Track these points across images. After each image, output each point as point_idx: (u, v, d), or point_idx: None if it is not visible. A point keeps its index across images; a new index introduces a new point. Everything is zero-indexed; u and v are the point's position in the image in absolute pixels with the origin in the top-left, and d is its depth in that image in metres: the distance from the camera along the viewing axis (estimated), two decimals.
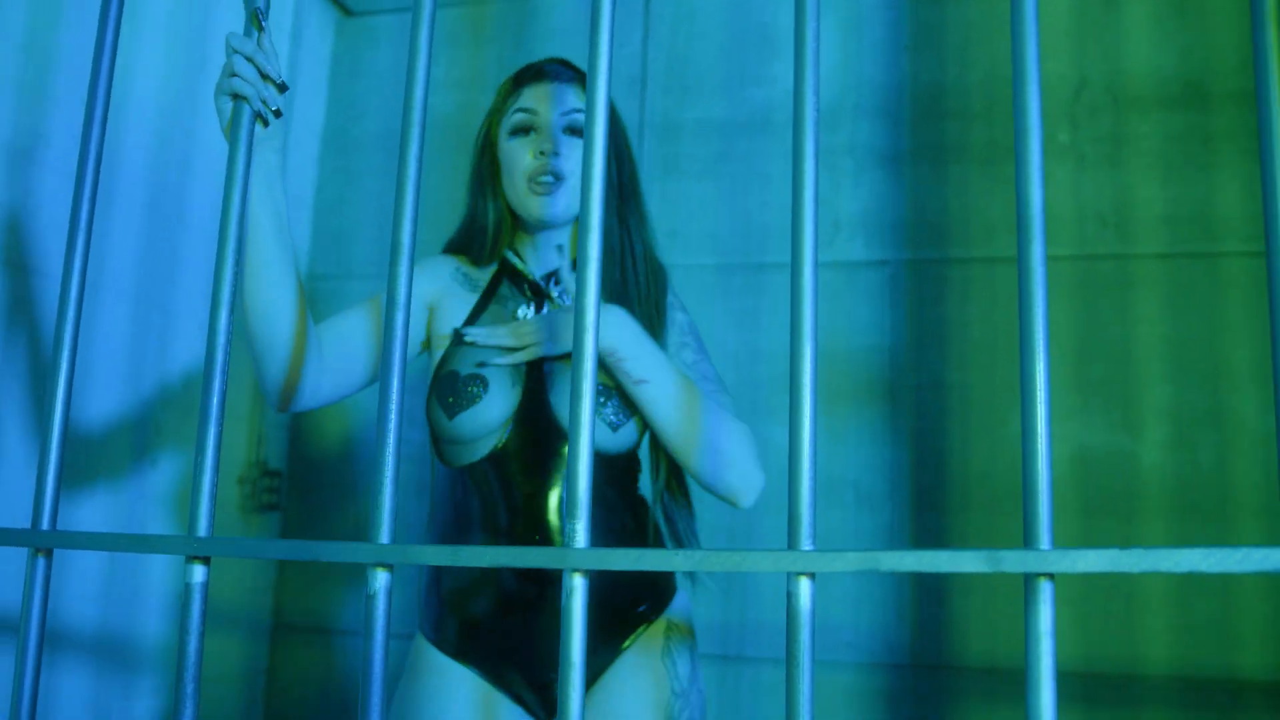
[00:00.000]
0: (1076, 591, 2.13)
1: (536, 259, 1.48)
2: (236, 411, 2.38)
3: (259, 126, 1.11)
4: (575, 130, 1.41)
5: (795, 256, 0.76)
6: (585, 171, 0.80)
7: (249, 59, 1.05)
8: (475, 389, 1.35)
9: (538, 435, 1.36)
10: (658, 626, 1.39)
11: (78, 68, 1.87)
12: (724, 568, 0.76)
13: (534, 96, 1.43)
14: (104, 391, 1.97)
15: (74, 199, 0.92)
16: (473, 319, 1.44)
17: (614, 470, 1.39)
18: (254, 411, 2.45)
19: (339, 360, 1.33)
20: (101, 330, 1.96)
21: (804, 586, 0.75)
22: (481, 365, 1.37)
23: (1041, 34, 2.34)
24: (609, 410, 1.35)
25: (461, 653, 1.36)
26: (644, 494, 1.45)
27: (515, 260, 1.48)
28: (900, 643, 2.20)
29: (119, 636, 2.03)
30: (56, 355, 0.92)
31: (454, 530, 1.38)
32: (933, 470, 2.22)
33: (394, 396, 0.81)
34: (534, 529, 1.33)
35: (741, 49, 2.50)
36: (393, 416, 0.81)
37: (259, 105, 1.04)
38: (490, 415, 1.35)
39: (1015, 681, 2.12)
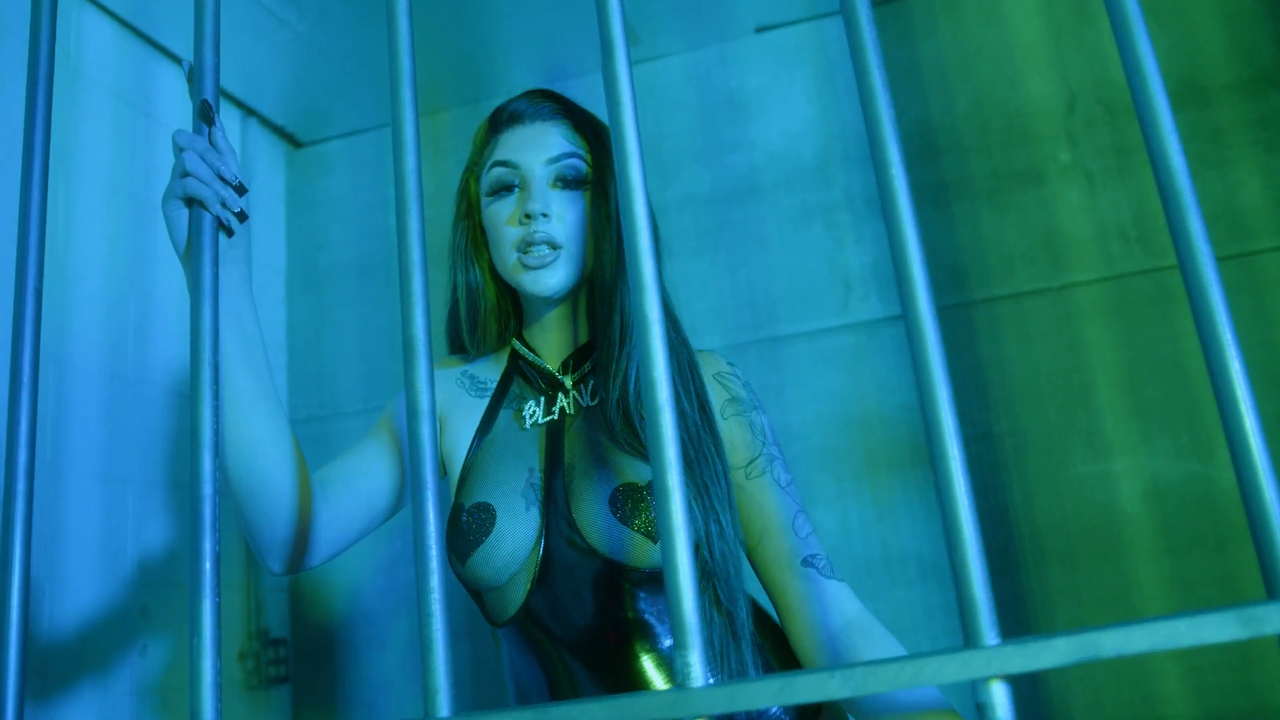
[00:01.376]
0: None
1: (547, 341, 1.23)
2: (229, 579, 2.17)
3: (221, 236, 0.94)
4: (567, 180, 1.17)
5: (907, 301, 0.59)
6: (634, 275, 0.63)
7: (201, 156, 0.88)
8: (484, 523, 1.10)
9: (570, 565, 1.08)
10: None
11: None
12: (898, 684, 0.57)
13: (512, 144, 1.18)
14: (79, 580, 1.76)
15: (11, 378, 0.75)
16: (485, 430, 1.19)
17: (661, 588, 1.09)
18: (248, 577, 2.23)
19: (349, 499, 1.12)
20: (72, 512, 1.76)
21: (999, 695, 0.56)
22: (489, 489, 1.13)
23: (1020, 54, 2.25)
24: (642, 517, 1.06)
25: None
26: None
27: (523, 350, 1.23)
28: None
29: None
30: (7, 547, 0.73)
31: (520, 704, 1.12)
32: (998, 529, 2.03)
33: (431, 525, 0.63)
34: (609, 685, 1.06)
35: (713, 118, 2.38)
36: (433, 552, 0.62)
37: (218, 209, 0.87)
38: (505, 553, 1.09)
39: None
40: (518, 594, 1.10)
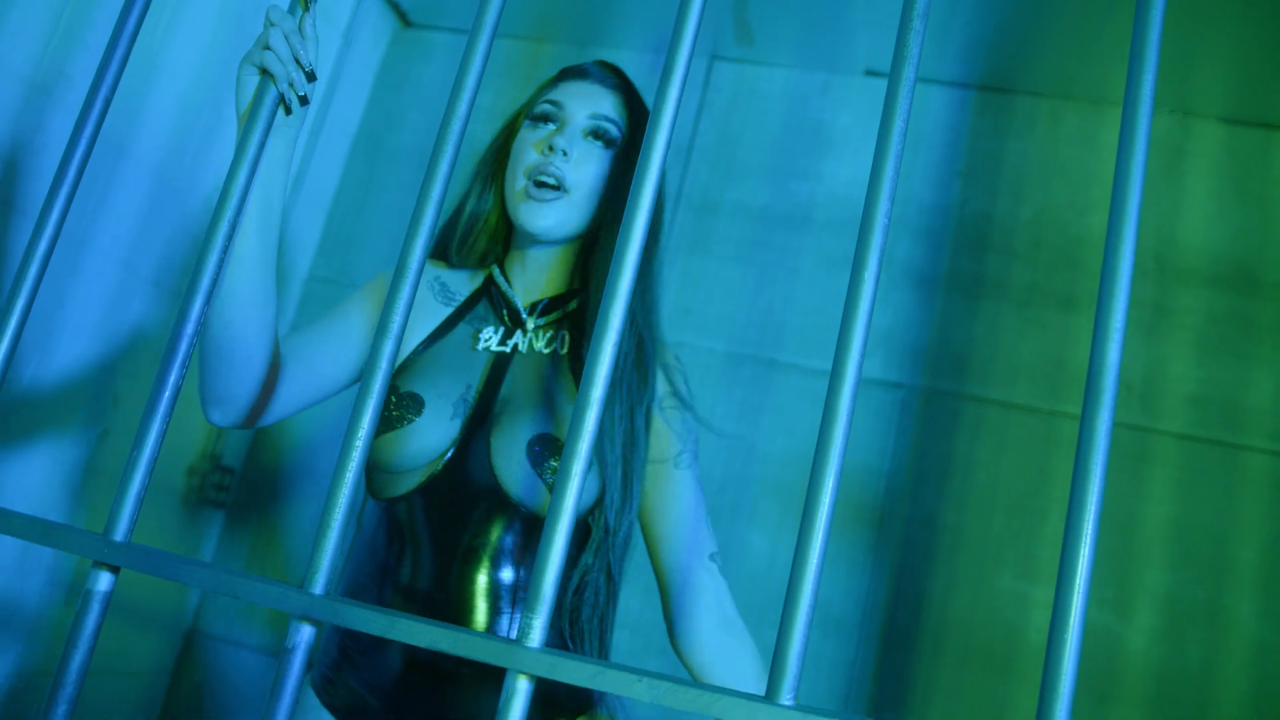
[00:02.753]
0: None
1: (523, 280, 1.28)
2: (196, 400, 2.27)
3: (280, 111, 1.01)
4: (599, 136, 1.23)
5: (836, 373, 0.66)
6: (622, 238, 0.70)
7: (286, 36, 0.95)
8: (407, 411, 1.16)
9: (468, 482, 1.16)
10: None
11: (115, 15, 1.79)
12: (693, 708, 0.65)
13: (567, 91, 1.25)
14: (66, 353, 1.86)
15: (70, 139, 0.83)
16: (438, 336, 1.25)
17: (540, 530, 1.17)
18: None
19: (306, 374, 1.18)
20: (82, 287, 1.86)
21: None
22: (426, 385, 1.18)
23: (1099, 186, 2.29)
24: (553, 466, 1.14)
25: (350, 715, 1.18)
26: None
27: (502, 281, 1.28)
28: None
29: None
30: (13, 298, 0.82)
31: (368, 577, 1.20)
32: (909, 610, 2.10)
33: (365, 426, 0.71)
34: (446, 592, 1.14)
35: (793, 140, 2.44)
36: (357, 453, 0.70)
37: (285, 87, 0.94)
38: (416, 446, 1.16)
39: None
40: (407, 485, 1.17)
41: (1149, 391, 2.13)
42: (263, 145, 0.85)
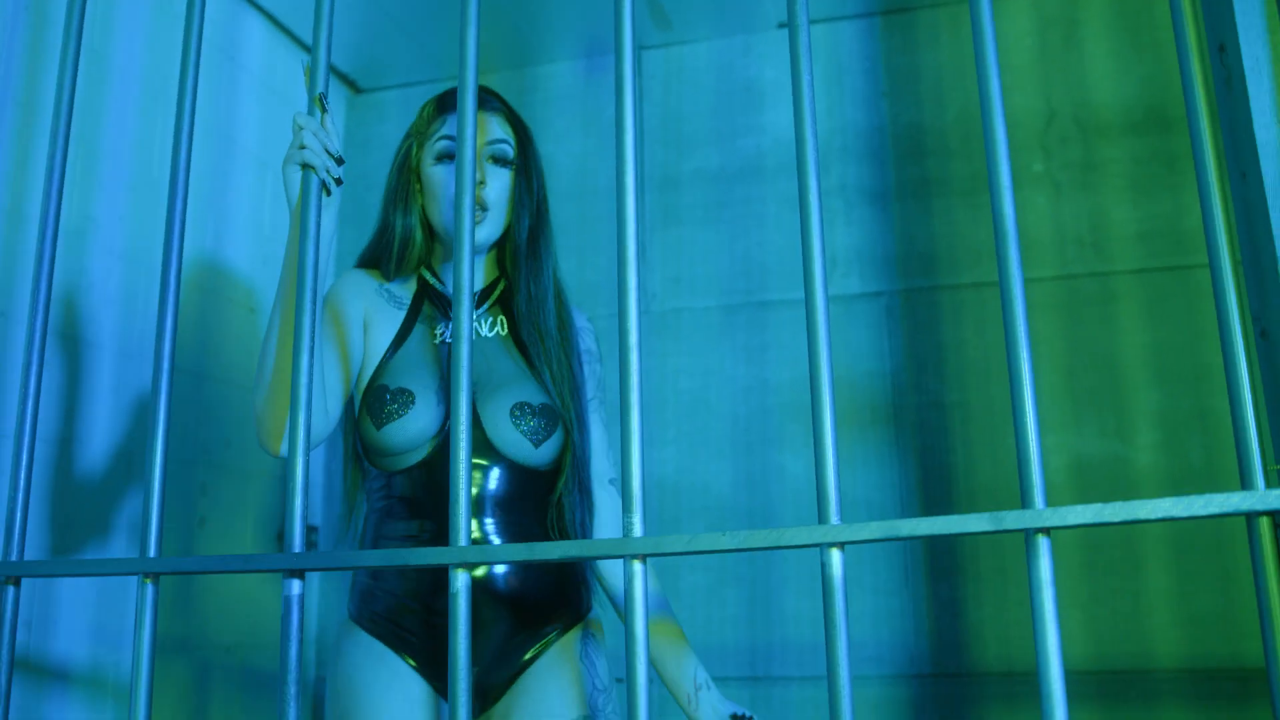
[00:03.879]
0: (1086, 594, 2.24)
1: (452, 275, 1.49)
2: (269, 467, 2.50)
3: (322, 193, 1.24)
4: (499, 159, 1.47)
5: (807, 278, 0.89)
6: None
7: (314, 134, 1.17)
8: (402, 403, 1.40)
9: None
10: (574, 630, 1.46)
11: (122, 156, 2.02)
12: (766, 544, 0.88)
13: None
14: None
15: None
16: (402, 337, 1.48)
17: (536, 484, 1.44)
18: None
19: (323, 406, 1.39)
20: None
21: (835, 557, 0.87)
22: (410, 380, 1.42)
23: (1008, 71, 2.52)
24: (531, 425, 1.42)
25: (391, 639, 1.42)
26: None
27: (433, 280, 1.52)
28: (921, 654, 2.30)
29: (105, 667, 2.12)
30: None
31: (381, 519, 1.44)
32: (940, 486, 2.34)
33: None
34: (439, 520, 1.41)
35: (730, 103, 2.66)
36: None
37: (324, 175, 1.17)
38: (416, 428, 1.39)
39: (1031, 683, 2.22)
40: (413, 460, 1.42)
41: (1099, 240, 2.36)
42: (319, 221, 1.08)
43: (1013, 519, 0.84)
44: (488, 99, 1.52)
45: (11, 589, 1.04)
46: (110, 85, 2.03)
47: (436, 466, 1.42)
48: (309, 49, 2.67)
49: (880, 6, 2.58)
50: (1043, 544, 0.83)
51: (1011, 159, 2.43)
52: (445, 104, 1.52)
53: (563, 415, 1.45)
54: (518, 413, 1.43)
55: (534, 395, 1.44)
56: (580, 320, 1.58)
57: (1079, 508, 0.81)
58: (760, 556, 2.40)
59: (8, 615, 1.04)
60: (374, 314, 1.49)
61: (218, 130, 2.34)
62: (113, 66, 2.03)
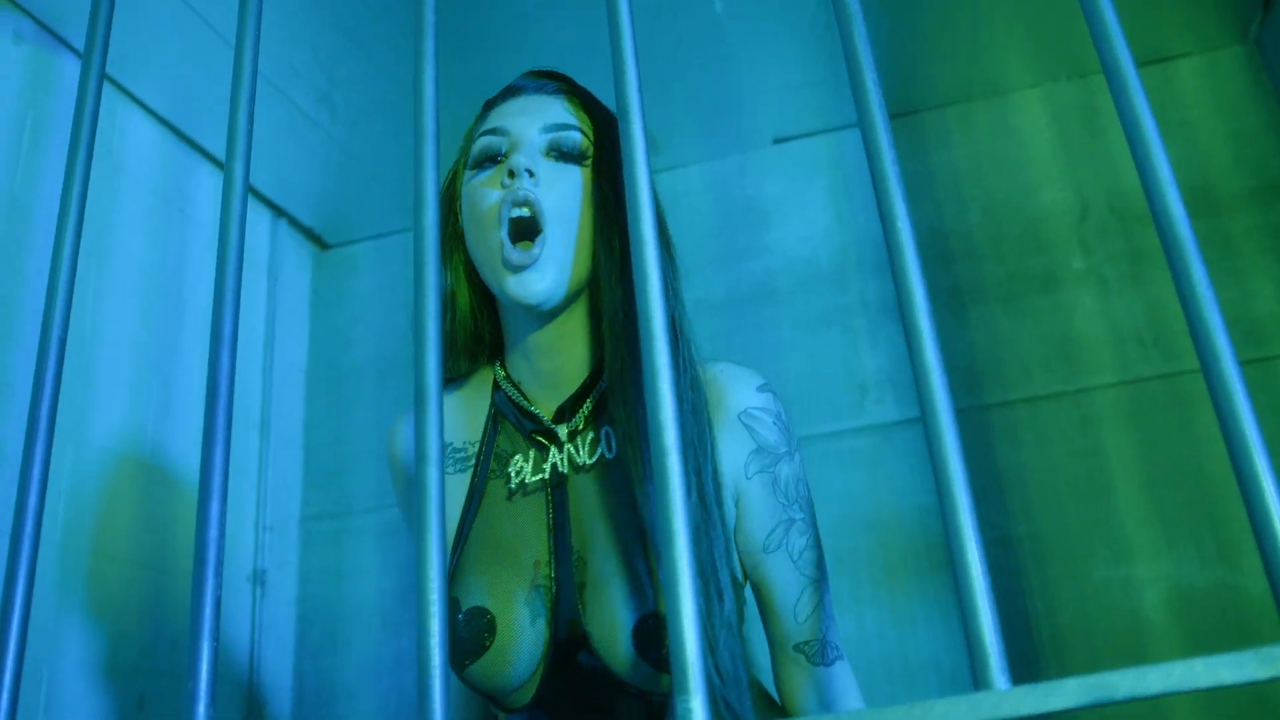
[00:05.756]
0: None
1: (536, 375, 1.01)
2: (230, 674, 2.13)
3: None
4: (564, 153, 0.98)
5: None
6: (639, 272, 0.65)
7: None
8: (480, 635, 0.93)
9: (580, 683, 0.95)
10: None
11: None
12: (910, 716, 0.55)
13: (504, 112, 1.02)
14: (78, 663, 1.74)
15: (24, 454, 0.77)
16: (469, 511, 0.99)
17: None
18: (247, 680, 2.19)
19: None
20: (76, 588, 1.75)
21: None
22: (486, 586, 0.94)
23: (1032, 166, 2.30)
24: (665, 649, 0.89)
25: None
26: None
27: (507, 386, 1.02)
28: None
29: None
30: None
31: None
32: (1020, 635, 1.98)
33: (434, 593, 0.63)
34: None
35: (731, 224, 2.43)
36: (434, 584, 0.62)
37: None
38: (508, 671, 0.93)
39: None
40: (522, 699, 0.96)
41: (1160, 337, 2.09)
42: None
43: None
44: (541, 80, 1.05)
45: None
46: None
47: (559, 705, 0.95)
48: (275, 205, 2.46)
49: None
50: None
51: (1049, 256, 2.18)
52: (492, 100, 1.07)
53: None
54: (645, 636, 0.90)
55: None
56: (741, 398, 0.99)
57: None
58: None
59: None
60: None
61: (167, 290, 2.08)
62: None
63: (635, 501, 0.93)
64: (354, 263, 2.68)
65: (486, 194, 0.97)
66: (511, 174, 0.95)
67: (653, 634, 0.90)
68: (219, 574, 0.70)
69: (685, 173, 2.51)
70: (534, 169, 0.95)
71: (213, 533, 0.71)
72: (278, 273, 2.50)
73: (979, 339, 2.19)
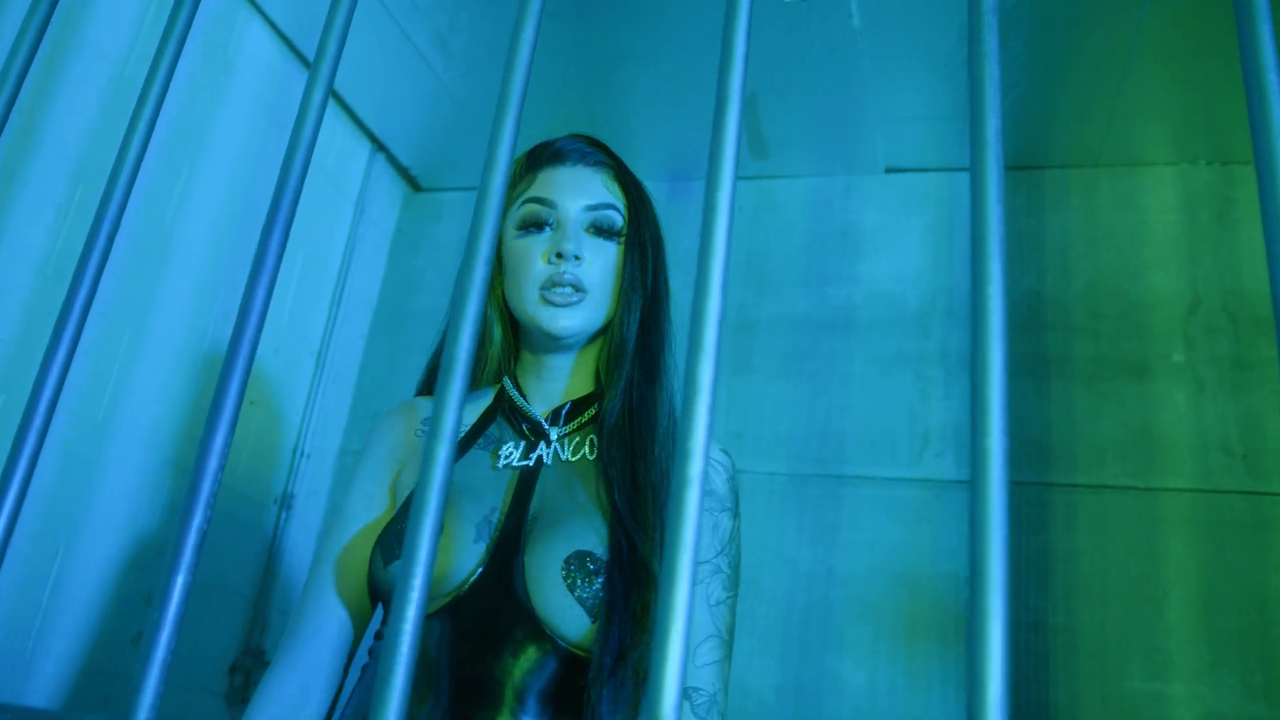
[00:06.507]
0: None
1: (539, 390, 1.19)
2: (239, 588, 2.14)
3: None
4: (601, 229, 1.15)
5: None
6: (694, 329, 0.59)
7: None
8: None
9: (497, 608, 1.02)
10: None
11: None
12: None
13: (549, 183, 1.17)
14: (94, 552, 1.75)
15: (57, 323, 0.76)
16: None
17: (579, 670, 1.01)
18: (258, 591, 2.20)
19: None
20: (111, 476, 1.76)
21: None
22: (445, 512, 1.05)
23: (1149, 247, 2.19)
24: (592, 590, 1.00)
25: None
26: None
27: (515, 394, 1.18)
28: None
29: None
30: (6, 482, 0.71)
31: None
32: None
33: (423, 562, 0.58)
34: None
35: (823, 246, 2.36)
36: (416, 594, 0.57)
37: None
38: (436, 572, 1.02)
39: None
40: (430, 609, 1.03)
41: (1251, 452, 1.97)
42: None
43: None
44: (586, 150, 1.20)
45: None
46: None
47: (466, 614, 1.02)
48: (376, 138, 2.45)
49: (1005, 160, 2.29)
50: None
51: (1147, 344, 2.07)
52: (536, 159, 1.21)
53: (628, 571, 1.00)
54: (574, 566, 1.02)
55: (603, 543, 1.02)
56: (711, 451, 1.13)
57: None
58: None
59: None
60: (411, 457, 1.17)
61: (248, 199, 2.08)
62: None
63: (604, 491, 1.07)
64: (440, 210, 2.66)
65: (534, 259, 1.14)
66: (560, 255, 1.13)
67: (578, 564, 1.01)
68: (210, 508, 0.67)
69: (789, 184, 2.44)
70: (580, 253, 1.13)
71: (213, 463, 0.68)
72: (365, 206, 2.49)
73: (1056, 415, 2.09)
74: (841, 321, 2.27)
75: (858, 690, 1.99)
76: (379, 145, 2.51)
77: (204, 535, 0.66)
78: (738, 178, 2.54)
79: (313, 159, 2.18)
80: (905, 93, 2.14)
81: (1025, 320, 2.17)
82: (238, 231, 2.04)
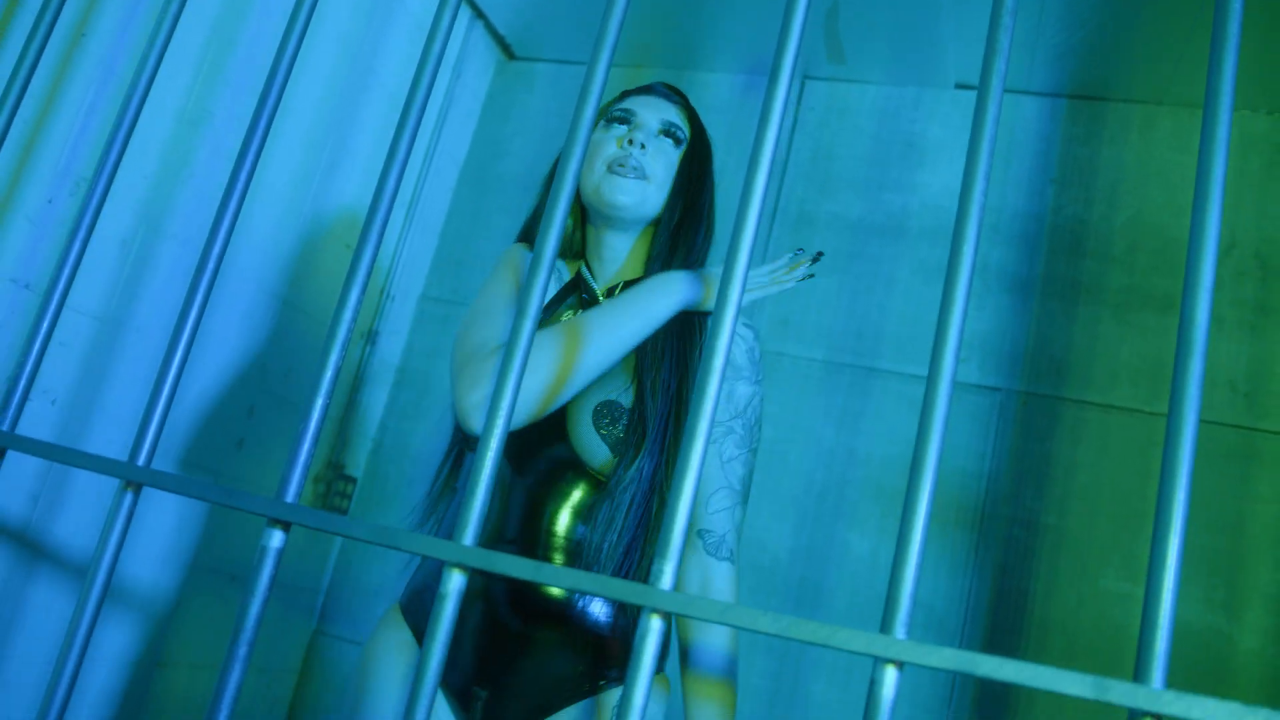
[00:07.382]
0: None
1: (601, 268, 1.39)
2: (328, 410, 2.42)
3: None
4: (670, 135, 1.37)
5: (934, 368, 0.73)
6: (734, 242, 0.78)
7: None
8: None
9: (546, 443, 1.27)
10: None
11: (257, 49, 1.96)
12: (812, 639, 0.72)
13: (636, 102, 1.41)
14: (207, 368, 2.02)
15: (231, 175, 0.95)
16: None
17: (601, 489, 1.25)
18: (342, 414, 2.48)
19: None
20: (220, 306, 2.02)
21: (890, 675, 0.70)
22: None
23: (1190, 186, 2.29)
24: (616, 432, 1.24)
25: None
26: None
27: (587, 275, 1.39)
28: None
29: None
30: (182, 318, 0.93)
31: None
32: (1011, 610, 2.12)
33: (507, 398, 0.80)
34: (528, 542, 1.24)
35: (886, 154, 2.49)
36: (500, 421, 0.79)
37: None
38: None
39: None
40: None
41: (1254, 390, 2.12)
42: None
43: (1122, 693, 0.66)
44: (668, 91, 1.45)
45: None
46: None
47: (527, 455, 1.27)
48: (476, 4, 2.60)
49: (1069, 88, 2.39)
50: None
51: (1175, 281, 2.20)
52: (629, 91, 1.45)
53: (648, 420, 1.23)
54: (601, 413, 1.26)
55: (628, 396, 1.26)
56: (746, 373, 1.34)
57: (1208, 701, 0.63)
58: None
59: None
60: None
61: (359, 60, 2.27)
62: None
63: (633, 354, 1.29)
64: (532, 80, 2.82)
65: (609, 143, 1.35)
66: (630, 142, 1.34)
67: (605, 410, 1.25)
68: (344, 349, 0.88)
69: (861, 90, 2.56)
70: (648, 144, 1.34)
71: (347, 315, 0.89)
72: (461, 70, 2.66)
73: (1079, 336, 2.25)
74: (893, 227, 2.43)
75: (860, 559, 2.23)
76: (479, 12, 2.66)
77: (339, 371, 0.88)
78: (811, 78, 2.66)
79: (414, 21, 2.34)
80: (982, 12, 2.23)
81: (1067, 245, 2.31)
82: (344, 88, 2.24)
